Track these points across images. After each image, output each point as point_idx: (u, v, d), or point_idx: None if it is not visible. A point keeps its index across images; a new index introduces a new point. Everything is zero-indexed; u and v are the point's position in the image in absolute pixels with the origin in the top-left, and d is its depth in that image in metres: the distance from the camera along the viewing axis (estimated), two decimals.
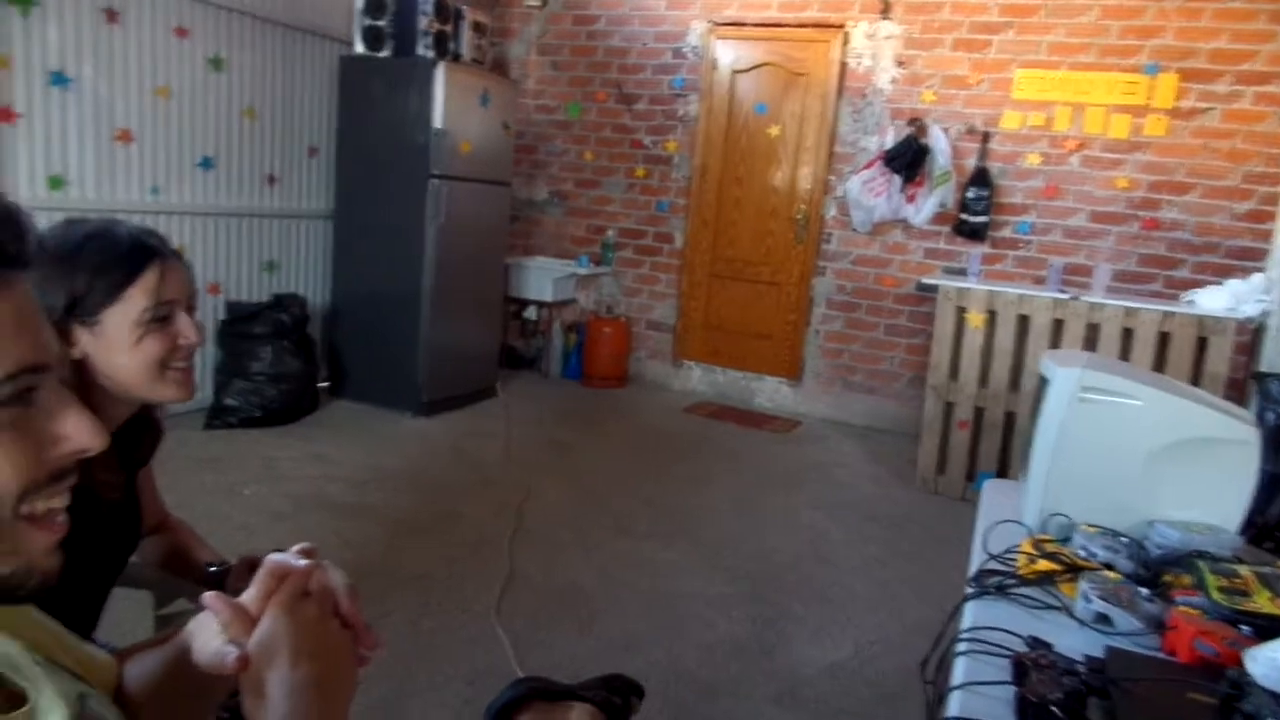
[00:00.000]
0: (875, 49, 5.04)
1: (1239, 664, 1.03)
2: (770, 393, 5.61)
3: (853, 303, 5.31)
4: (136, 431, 1.23)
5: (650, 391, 5.74)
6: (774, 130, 5.42)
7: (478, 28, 4.93)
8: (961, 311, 4.10)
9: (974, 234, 4.87)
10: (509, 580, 2.93)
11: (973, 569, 1.46)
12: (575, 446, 4.50)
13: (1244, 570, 1.34)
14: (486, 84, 4.76)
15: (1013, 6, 4.70)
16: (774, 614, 2.91)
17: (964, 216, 4.86)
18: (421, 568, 2.95)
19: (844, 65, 5.14)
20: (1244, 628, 1.16)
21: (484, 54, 5.02)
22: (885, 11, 4.97)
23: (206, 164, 4.16)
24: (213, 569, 1.34)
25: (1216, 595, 1.27)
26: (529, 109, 5.97)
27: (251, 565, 1.20)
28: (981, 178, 4.80)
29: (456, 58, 4.71)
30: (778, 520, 3.75)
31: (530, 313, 5.81)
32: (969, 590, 1.36)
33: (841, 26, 5.12)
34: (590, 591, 2.93)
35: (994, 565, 1.42)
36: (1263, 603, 1.24)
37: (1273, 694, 0.95)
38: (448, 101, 4.40)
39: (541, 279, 5.62)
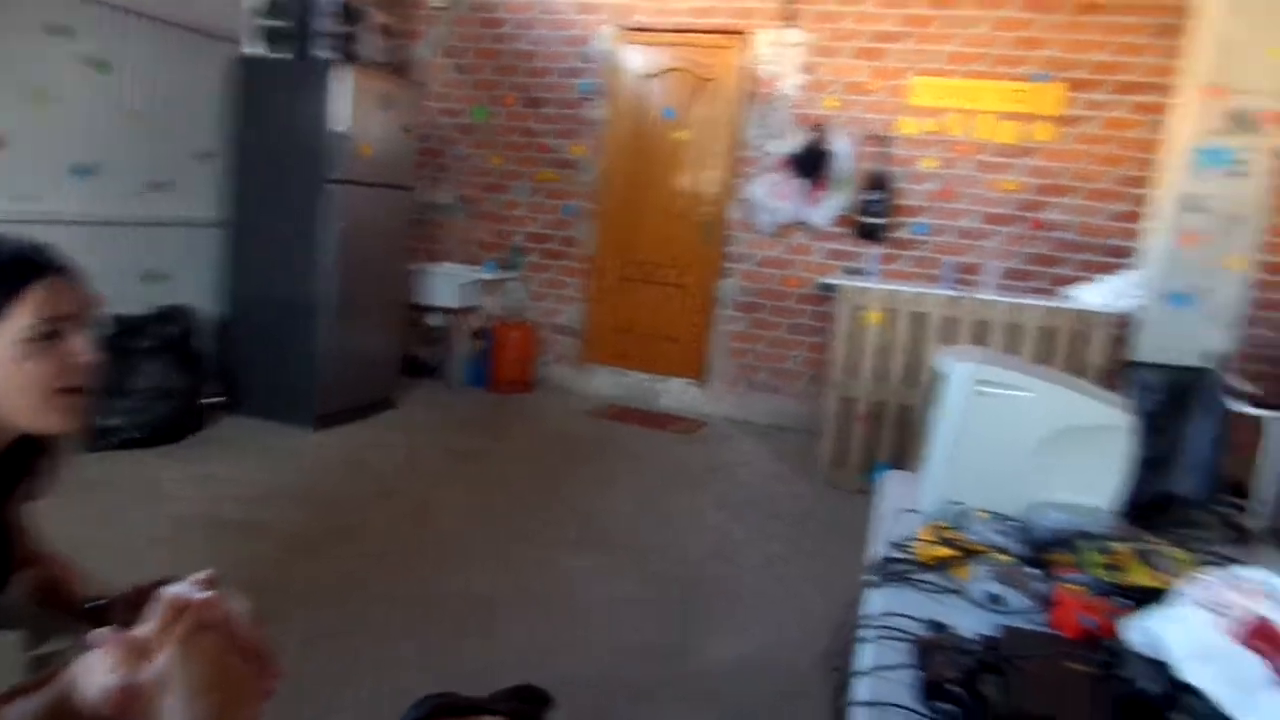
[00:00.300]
0: (780, 56, 5.16)
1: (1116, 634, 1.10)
2: (676, 394, 5.66)
3: (757, 303, 5.41)
4: (16, 462, 1.15)
5: (557, 396, 5.72)
6: (681, 134, 5.48)
7: (381, 29, 4.83)
8: (860, 310, 4.24)
9: (873, 235, 5.03)
10: (412, 594, 2.87)
11: (872, 558, 1.51)
12: (480, 454, 4.44)
13: (1121, 547, 1.42)
14: (389, 87, 4.66)
15: (910, 17, 4.88)
16: (682, 615, 2.94)
17: (863, 218, 5.02)
18: (319, 585, 2.86)
19: (750, 71, 5.24)
20: (1122, 600, 1.24)
21: (387, 56, 4.91)
22: (789, 20, 5.09)
23: (86, 171, 3.94)
24: (92, 604, 1.26)
25: (1097, 572, 1.35)
26: (433, 112, 5.88)
27: (137, 597, 1.14)
28: (880, 181, 4.97)
29: (359, 60, 4.59)
30: (684, 521, 3.78)
31: (435, 319, 5.70)
32: (871, 579, 1.41)
33: (748, 33, 5.22)
34: (498, 601, 2.89)
35: (895, 553, 1.47)
36: (1138, 576, 1.32)
37: (1146, 659, 1.01)
38: (349, 104, 4.29)
39: (447, 285, 5.53)
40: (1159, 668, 0.99)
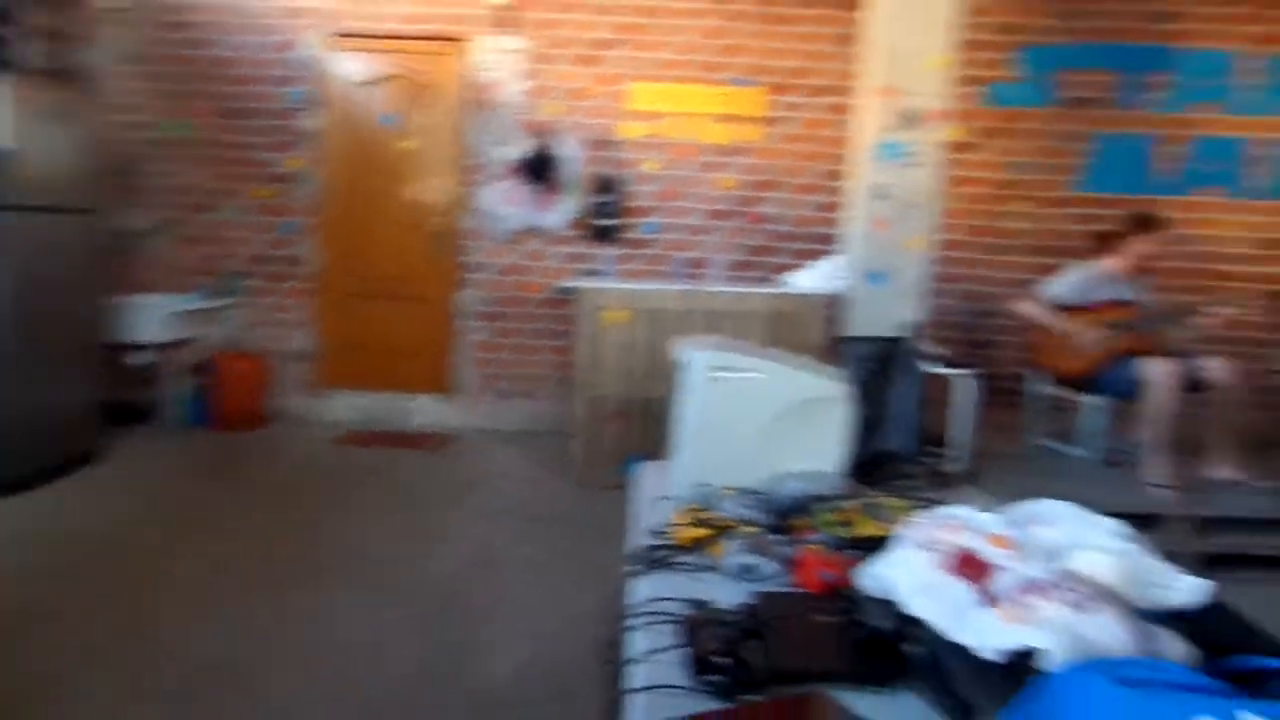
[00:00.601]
0: (500, 63, 5.15)
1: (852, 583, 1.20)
2: (424, 411, 5.49)
3: (498, 312, 5.37)
4: None
5: (295, 427, 5.33)
6: (407, 143, 5.31)
7: (42, 33, 4.21)
8: (600, 311, 4.34)
9: (606, 236, 5.18)
10: (143, 678, 2.53)
11: (632, 547, 1.54)
12: (208, 501, 4.02)
13: (850, 505, 1.56)
14: (59, 98, 4.08)
15: (624, 25, 5.07)
16: (451, 634, 2.85)
17: (596, 221, 5.15)
18: (14, 686, 2.45)
19: (471, 78, 5.18)
20: (855, 552, 1.35)
21: (54, 63, 4.30)
22: (506, 27, 5.10)
23: None
24: None
25: (832, 530, 1.46)
26: (119, 127, 5.24)
27: None
28: (609, 184, 5.12)
29: (16, 68, 3.98)
30: (441, 538, 3.68)
31: (141, 357, 5.07)
32: (634, 568, 1.43)
33: (465, 40, 5.15)
34: (251, 660, 2.63)
35: (654, 540, 1.51)
36: (866, 528, 1.45)
37: (877, 600, 1.11)
38: (6, 118, 3.71)
39: (151, 318, 4.95)
40: (888, 606, 1.09)
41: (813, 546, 1.38)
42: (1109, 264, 4.02)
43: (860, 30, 4.29)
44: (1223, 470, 3.73)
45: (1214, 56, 4.93)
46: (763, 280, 5.01)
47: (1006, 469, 3.73)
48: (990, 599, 1.00)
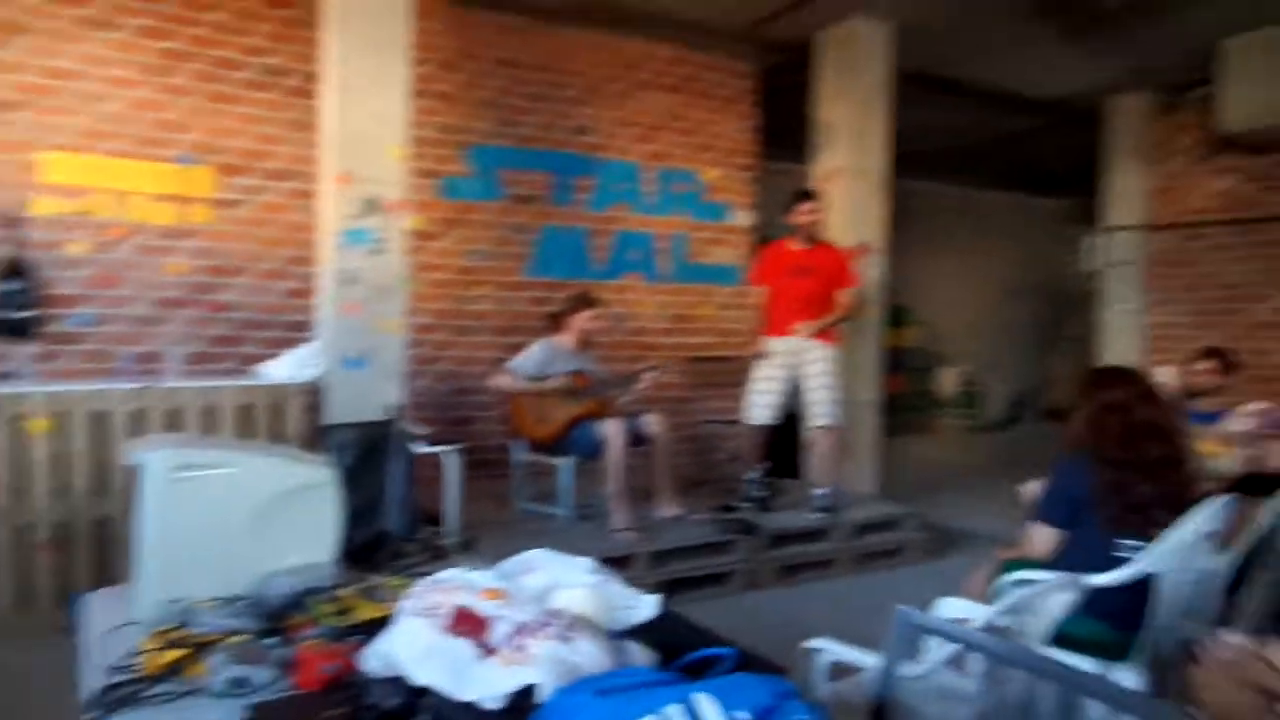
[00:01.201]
0: None
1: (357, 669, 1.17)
2: None
3: None
4: None
5: None
6: None
7: None
8: (20, 420, 3.58)
9: (21, 332, 4.29)
10: None
11: (88, 692, 1.29)
12: None
13: (347, 592, 1.52)
14: None
15: (28, 85, 4.32)
16: None
17: (4, 313, 4.25)
18: None
19: None
20: (358, 638, 1.31)
21: None
22: None
23: None
24: None
25: (330, 621, 1.41)
26: None
27: None
28: (18, 269, 4.27)
29: None
30: None
31: None
32: (92, 715, 1.20)
33: None
34: None
35: (117, 677, 1.28)
36: (366, 612, 1.42)
37: (384, 679, 1.10)
38: None
39: None
40: (397, 683, 1.08)
41: (311, 642, 1.31)
42: (561, 339, 4.57)
43: (316, 117, 4.31)
44: (667, 509, 4.43)
45: (624, 166, 5.99)
46: (232, 372, 4.62)
47: (498, 534, 3.95)
48: (488, 650, 1.06)
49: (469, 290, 5.49)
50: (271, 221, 4.90)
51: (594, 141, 5.86)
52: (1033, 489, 2.73)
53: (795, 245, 4.74)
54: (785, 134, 6.15)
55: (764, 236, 6.17)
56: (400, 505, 3.65)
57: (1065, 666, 1.50)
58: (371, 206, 4.08)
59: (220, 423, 3.90)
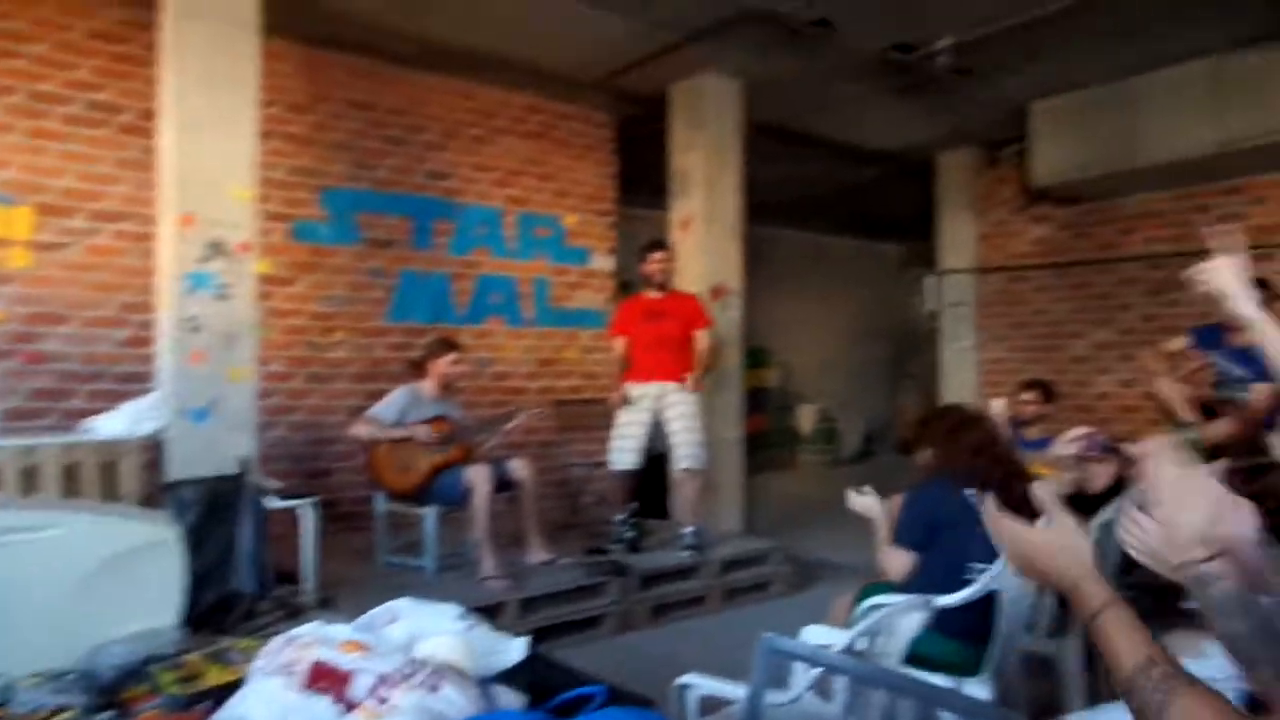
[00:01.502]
0: None
1: None
2: None
3: None
4: None
5: None
6: None
7: None
8: None
9: None
10: None
11: None
12: None
13: (192, 657, 1.42)
14: None
15: None
16: None
17: None
18: None
19: None
20: (205, 705, 1.23)
21: None
22: None
23: None
24: None
25: (173, 689, 1.31)
26: None
27: None
28: None
29: None
30: None
31: None
32: None
33: None
34: None
35: None
36: (214, 677, 1.33)
37: None
38: None
39: None
40: None
41: (150, 713, 1.21)
42: (423, 385, 4.46)
43: (153, 157, 4.08)
44: (537, 554, 4.36)
45: (484, 211, 5.96)
46: (57, 428, 4.25)
47: (360, 589, 3.77)
48: (350, 705, 1.01)
49: (325, 336, 5.29)
50: (102, 265, 4.57)
51: (453, 186, 5.83)
52: (865, 501, 2.83)
53: (650, 294, 4.86)
54: (644, 181, 6.32)
55: (624, 281, 6.28)
56: (251, 563, 3.43)
57: (921, 683, 1.58)
58: (217, 249, 3.88)
59: (43, 483, 3.57)
